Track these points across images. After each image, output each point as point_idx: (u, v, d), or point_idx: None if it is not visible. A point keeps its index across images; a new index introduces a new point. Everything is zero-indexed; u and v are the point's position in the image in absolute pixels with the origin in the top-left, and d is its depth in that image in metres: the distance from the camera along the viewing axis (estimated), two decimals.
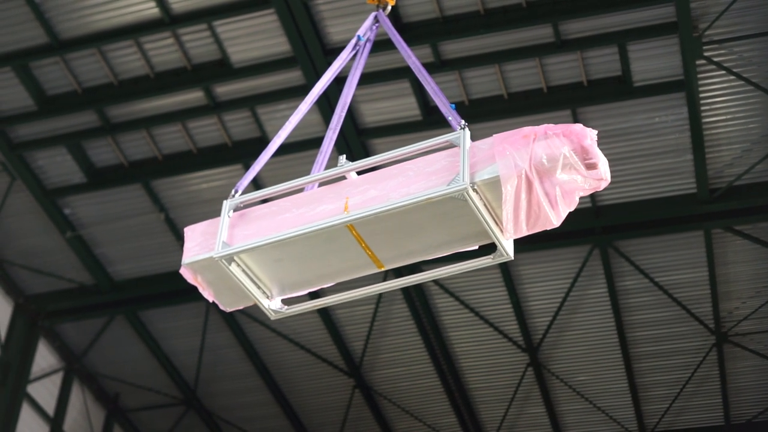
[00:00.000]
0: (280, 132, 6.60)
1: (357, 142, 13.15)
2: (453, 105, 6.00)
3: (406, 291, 15.11)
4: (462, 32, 12.14)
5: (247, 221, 5.90)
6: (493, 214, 5.40)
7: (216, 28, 12.52)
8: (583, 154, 5.21)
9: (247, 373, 16.72)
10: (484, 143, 5.41)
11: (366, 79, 12.54)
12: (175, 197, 14.40)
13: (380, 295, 15.33)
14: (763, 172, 13.16)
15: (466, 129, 5.57)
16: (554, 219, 5.32)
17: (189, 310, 15.75)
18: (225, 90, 13.12)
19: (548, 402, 16.59)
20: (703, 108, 12.44)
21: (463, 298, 15.25)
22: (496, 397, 16.73)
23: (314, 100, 6.81)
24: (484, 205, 5.34)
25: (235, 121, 13.51)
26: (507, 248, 5.54)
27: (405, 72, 12.38)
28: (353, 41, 7.07)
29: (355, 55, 7.04)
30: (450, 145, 5.54)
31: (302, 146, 13.21)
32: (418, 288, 15.11)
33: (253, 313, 15.27)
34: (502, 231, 5.39)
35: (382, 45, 9.89)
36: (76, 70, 13.13)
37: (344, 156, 5.97)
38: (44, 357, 16.02)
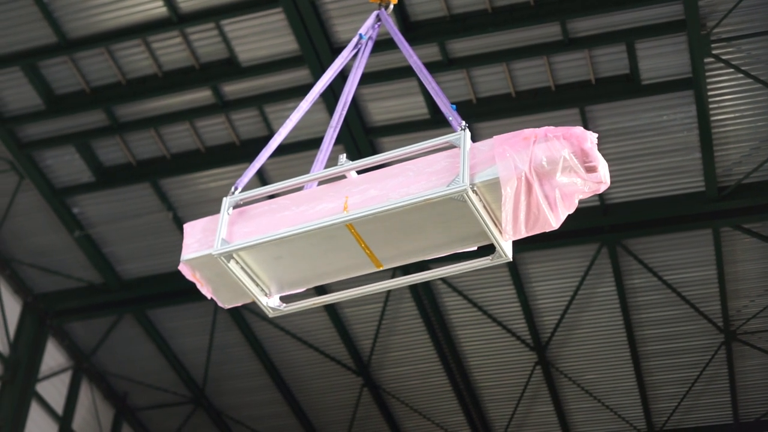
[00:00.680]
0: (280, 129, 6.62)
1: (365, 140, 13.13)
2: (454, 105, 5.99)
3: (414, 289, 15.11)
4: (469, 31, 12.11)
5: (246, 218, 5.91)
6: (492, 215, 5.41)
7: (224, 27, 12.52)
8: (583, 157, 5.22)
9: (256, 372, 16.74)
10: (484, 144, 5.42)
11: (374, 78, 12.56)
12: (183, 196, 14.41)
13: (388, 294, 15.32)
14: None
15: (467, 130, 5.57)
16: (553, 221, 5.34)
17: (197, 309, 15.75)
18: (233, 89, 13.12)
19: (556, 400, 16.57)
20: (711, 106, 12.40)
21: (471, 296, 15.23)
22: (504, 396, 16.72)
23: (315, 99, 6.82)
24: (484, 206, 5.35)
25: (243, 120, 13.50)
26: (506, 249, 5.54)
27: (413, 71, 12.23)
28: (355, 40, 7.09)
29: (357, 53, 7.05)
30: (450, 146, 5.54)
31: (310, 145, 13.13)
32: (426, 286, 15.10)
33: (262, 312, 15.20)
34: (501, 232, 5.40)
35: (388, 44, 9.92)
36: (84, 70, 13.15)
37: (344, 155, 5.98)
38: (53, 356, 16.04)
